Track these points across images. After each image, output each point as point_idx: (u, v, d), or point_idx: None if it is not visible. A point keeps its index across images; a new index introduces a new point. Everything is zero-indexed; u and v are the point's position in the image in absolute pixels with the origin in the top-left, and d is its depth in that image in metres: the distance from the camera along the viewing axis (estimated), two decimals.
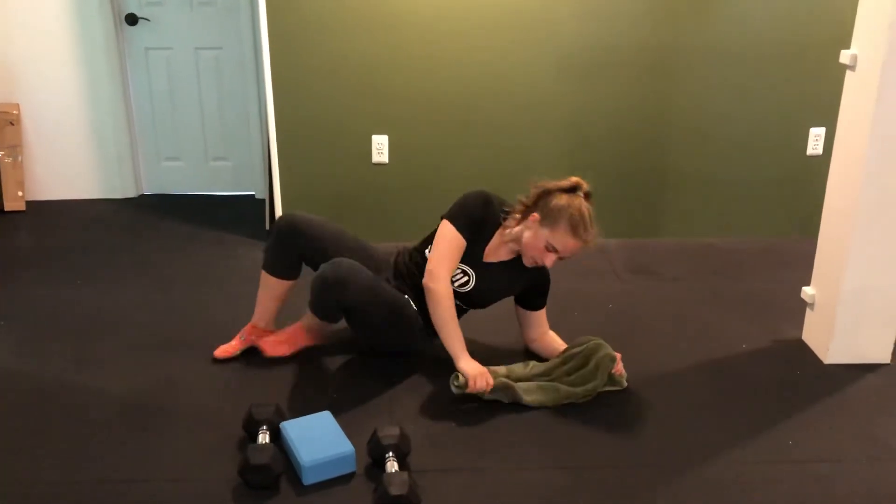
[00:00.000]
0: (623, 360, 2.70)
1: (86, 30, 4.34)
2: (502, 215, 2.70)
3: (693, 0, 3.75)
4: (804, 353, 2.96)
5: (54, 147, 4.54)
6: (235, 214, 4.44)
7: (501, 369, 2.65)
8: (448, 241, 2.63)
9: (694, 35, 3.81)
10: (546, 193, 2.61)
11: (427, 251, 2.73)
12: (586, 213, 2.56)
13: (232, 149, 4.73)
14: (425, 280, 2.60)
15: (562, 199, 2.56)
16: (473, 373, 2.53)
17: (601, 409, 2.57)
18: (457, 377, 2.56)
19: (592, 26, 3.77)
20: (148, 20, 4.44)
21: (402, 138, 3.90)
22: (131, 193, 4.70)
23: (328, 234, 2.79)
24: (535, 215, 2.59)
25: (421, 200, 4.01)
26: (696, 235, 4.15)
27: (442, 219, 2.67)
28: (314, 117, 3.84)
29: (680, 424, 2.51)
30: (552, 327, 2.90)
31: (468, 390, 2.52)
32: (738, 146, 4.02)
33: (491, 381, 2.53)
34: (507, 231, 2.68)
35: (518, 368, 2.68)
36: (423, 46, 3.75)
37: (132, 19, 4.41)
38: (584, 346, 2.66)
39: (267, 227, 4.12)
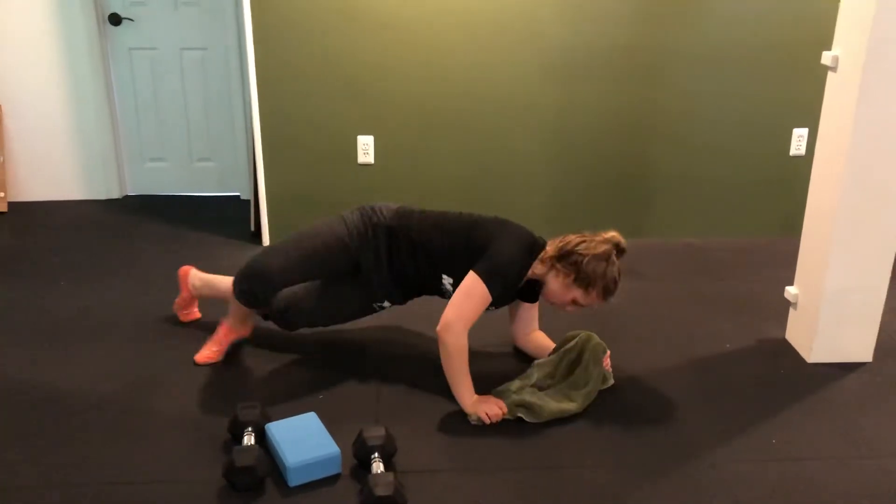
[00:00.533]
0: (615, 359, 2.72)
1: (69, 30, 4.31)
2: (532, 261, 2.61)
3: (676, 2, 3.77)
4: (787, 353, 2.98)
5: (37, 148, 4.50)
6: (220, 215, 4.42)
7: (514, 384, 2.61)
8: (477, 301, 2.48)
9: (677, 37, 3.83)
10: (581, 254, 2.52)
11: (445, 279, 2.64)
12: (619, 279, 2.55)
13: (217, 149, 4.71)
14: (441, 330, 2.47)
15: (600, 266, 2.50)
16: (479, 407, 2.50)
17: (588, 409, 2.58)
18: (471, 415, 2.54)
19: (576, 28, 3.78)
20: (132, 20, 4.42)
21: (389, 139, 3.90)
22: (115, 194, 4.67)
23: (304, 270, 2.66)
24: (570, 275, 2.52)
25: (407, 201, 3.99)
26: (680, 236, 4.17)
27: (475, 272, 2.49)
28: (299, 118, 3.84)
29: (664, 424, 2.52)
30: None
31: (487, 422, 2.49)
32: (721, 147, 4.05)
33: (502, 404, 2.52)
34: (532, 272, 2.62)
35: (529, 377, 2.65)
36: (409, 47, 3.75)
37: (116, 19, 4.39)
38: (576, 338, 2.67)
39: (252, 227, 4.11)
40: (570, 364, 2.64)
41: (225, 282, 2.91)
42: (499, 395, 2.57)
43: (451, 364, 2.51)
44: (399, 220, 2.70)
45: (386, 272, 2.70)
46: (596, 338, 2.66)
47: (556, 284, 2.56)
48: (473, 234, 2.61)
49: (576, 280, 2.52)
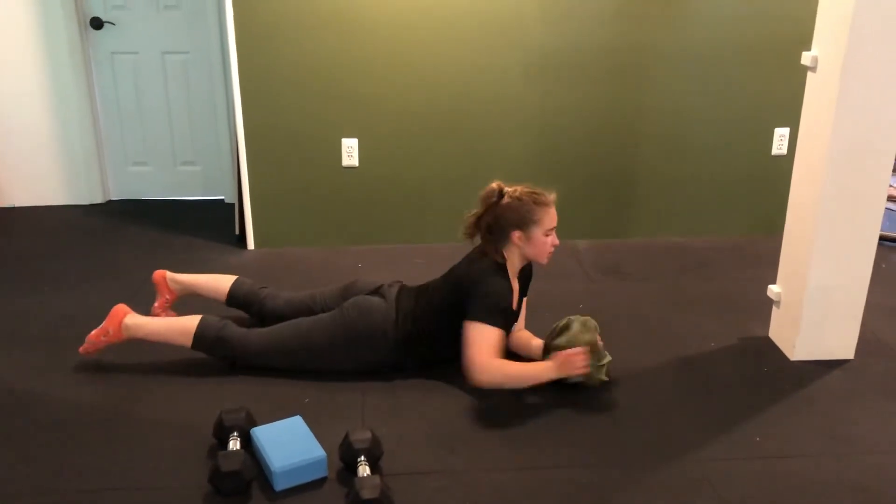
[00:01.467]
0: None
1: (50, 34, 4.28)
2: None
3: (659, 3, 3.79)
4: (771, 351, 3.00)
5: (19, 153, 4.47)
6: (205, 219, 4.40)
7: (562, 339, 2.68)
8: (490, 340, 2.58)
9: (660, 37, 3.85)
10: (496, 221, 2.66)
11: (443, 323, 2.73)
12: (529, 189, 2.66)
13: (201, 153, 4.69)
14: (477, 375, 2.57)
15: (508, 206, 2.63)
16: (564, 368, 2.56)
17: (572, 409, 2.59)
18: (568, 379, 2.61)
19: (560, 29, 3.79)
20: (113, 24, 4.39)
21: (373, 141, 3.90)
22: (98, 199, 4.65)
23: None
24: (516, 233, 2.64)
25: (391, 204, 4.01)
26: (664, 235, 4.19)
27: (473, 321, 2.59)
28: (283, 121, 3.83)
29: (649, 422, 2.53)
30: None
31: (586, 371, 2.58)
32: (704, 147, 4.07)
33: (581, 352, 2.57)
34: (513, 271, 2.73)
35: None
36: (392, 49, 3.75)
37: (97, 23, 4.36)
38: (565, 322, 2.75)
39: (237, 231, 4.10)
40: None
41: (167, 324, 2.85)
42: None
43: (514, 381, 2.61)
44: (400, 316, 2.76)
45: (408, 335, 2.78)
46: (580, 317, 2.75)
47: (529, 248, 2.67)
48: (453, 286, 2.71)
49: (522, 230, 2.64)
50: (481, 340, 2.57)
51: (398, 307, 2.75)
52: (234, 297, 3.02)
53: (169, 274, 3.11)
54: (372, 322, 2.71)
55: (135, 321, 2.79)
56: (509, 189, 2.66)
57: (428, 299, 2.75)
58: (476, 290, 2.62)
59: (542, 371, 2.59)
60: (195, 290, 3.09)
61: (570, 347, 2.61)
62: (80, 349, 2.82)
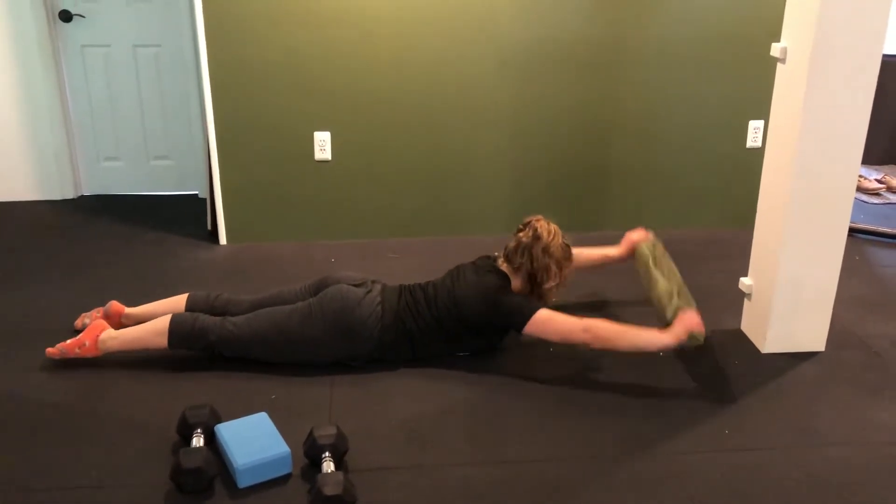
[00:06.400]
0: (565, 350, 2.73)
1: (18, 27, 4.21)
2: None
3: None
4: (742, 343, 3.00)
5: None
6: (177, 214, 4.36)
7: (673, 298, 2.73)
8: (554, 314, 2.70)
9: (635, 30, 3.84)
10: (536, 275, 2.79)
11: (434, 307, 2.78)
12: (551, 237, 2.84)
13: (173, 148, 4.64)
14: (586, 339, 2.66)
15: (543, 261, 2.78)
16: (683, 330, 2.60)
17: (538, 402, 2.57)
18: (691, 338, 2.61)
19: (533, 22, 3.77)
20: (83, 17, 4.34)
21: (346, 135, 3.87)
22: (70, 194, 4.59)
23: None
24: (553, 274, 2.81)
25: (364, 197, 3.98)
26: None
27: (526, 323, 2.69)
28: (255, 115, 3.79)
29: (616, 415, 2.52)
30: None
31: (697, 332, 2.61)
32: (679, 139, 4.06)
33: (692, 312, 2.65)
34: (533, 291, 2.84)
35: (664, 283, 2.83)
36: (365, 42, 3.72)
37: (66, 16, 4.30)
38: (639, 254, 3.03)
39: (209, 227, 4.06)
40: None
41: (139, 332, 2.77)
42: (676, 310, 2.68)
43: (620, 340, 2.62)
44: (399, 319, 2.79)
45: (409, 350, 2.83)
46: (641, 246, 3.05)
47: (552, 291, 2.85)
48: (454, 304, 2.76)
49: (556, 269, 2.80)
50: (551, 324, 2.67)
51: (383, 302, 2.75)
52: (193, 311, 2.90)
53: (126, 310, 2.97)
54: (355, 313, 2.69)
55: (109, 335, 2.75)
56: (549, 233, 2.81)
57: (417, 303, 2.78)
58: (500, 308, 2.71)
59: (655, 337, 2.63)
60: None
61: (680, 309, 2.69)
62: (48, 351, 2.75)
